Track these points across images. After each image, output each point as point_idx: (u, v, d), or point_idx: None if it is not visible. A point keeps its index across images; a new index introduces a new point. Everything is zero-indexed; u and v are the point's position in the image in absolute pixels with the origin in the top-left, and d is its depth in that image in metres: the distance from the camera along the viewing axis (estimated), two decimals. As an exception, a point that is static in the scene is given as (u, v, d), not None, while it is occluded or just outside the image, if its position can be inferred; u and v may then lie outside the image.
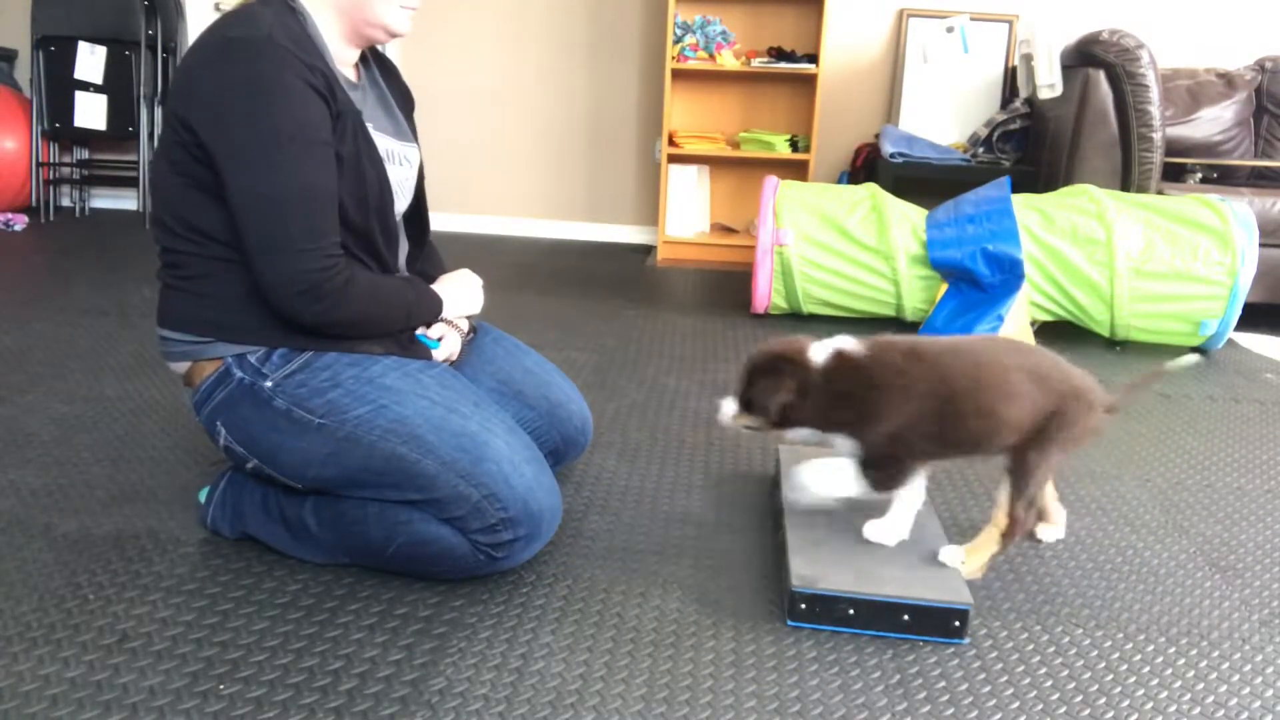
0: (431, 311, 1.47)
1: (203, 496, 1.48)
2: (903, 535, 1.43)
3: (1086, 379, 1.38)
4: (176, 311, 1.35)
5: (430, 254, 1.63)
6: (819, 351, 1.38)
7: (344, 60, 1.37)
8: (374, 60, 1.50)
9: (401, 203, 1.47)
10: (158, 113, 4.28)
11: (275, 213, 1.23)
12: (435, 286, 1.51)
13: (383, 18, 1.34)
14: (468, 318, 1.56)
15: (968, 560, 1.38)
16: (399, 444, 1.27)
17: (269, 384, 1.30)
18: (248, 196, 1.23)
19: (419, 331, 1.46)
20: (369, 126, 1.36)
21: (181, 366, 1.37)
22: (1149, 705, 1.17)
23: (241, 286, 1.31)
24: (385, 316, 1.37)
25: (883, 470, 1.37)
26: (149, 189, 1.38)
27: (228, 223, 1.27)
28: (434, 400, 1.31)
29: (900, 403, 1.33)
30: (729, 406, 1.43)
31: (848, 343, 1.39)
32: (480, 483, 1.27)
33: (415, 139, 1.54)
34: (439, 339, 1.47)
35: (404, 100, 1.54)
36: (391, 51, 4.69)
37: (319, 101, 1.24)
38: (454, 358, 1.51)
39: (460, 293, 1.54)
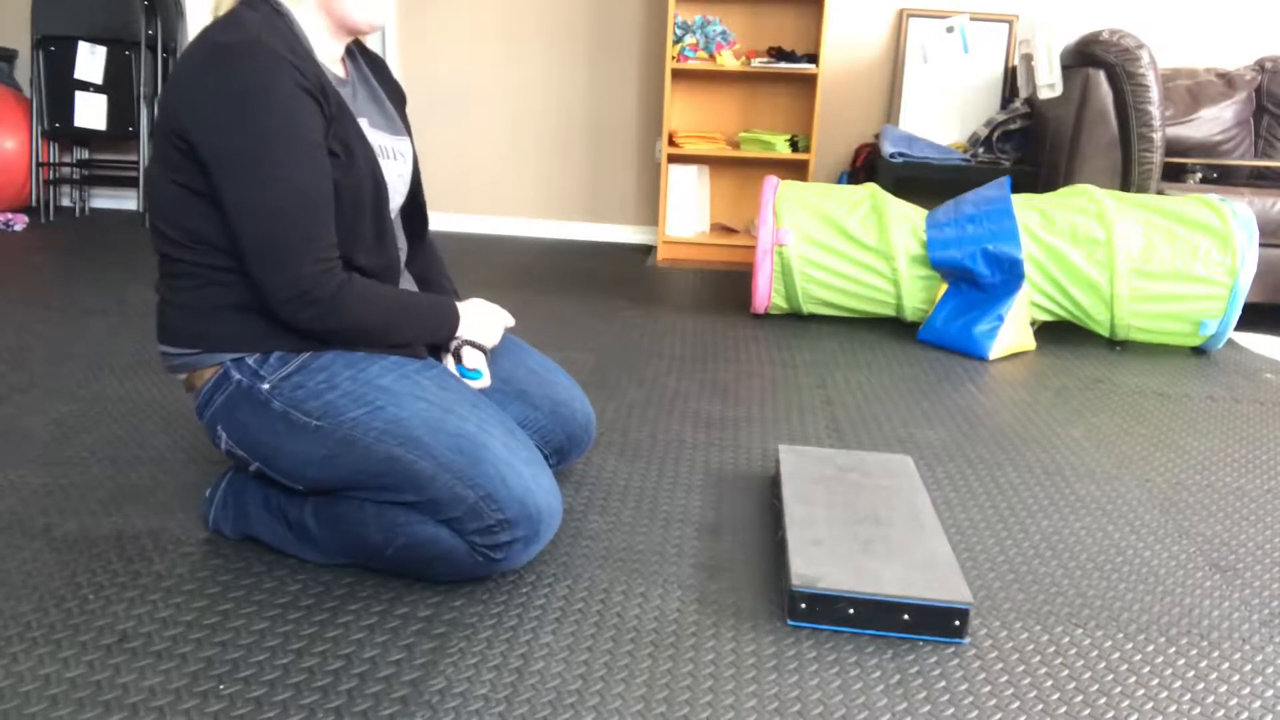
0: (447, 325, 1.46)
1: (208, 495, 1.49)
2: None
3: None
4: (173, 327, 1.35)
5: (429, 254, 1.63)
6: None
7: (331, 56, 1.37)
8: (361, 56, 1.51)
9: (397, 198, 1.47)
10: (157, 113, 4.28)
11: (267, 219, 1.22)
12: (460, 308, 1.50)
13: (352, 13, 1.33)
14: (480, 346, 1.53)
15: None
16: (395, 445, 1.27)
17: (266, 386, 1.30)
18: (241, 203, 1.22)
19: (461, 364, 1.47)
20: (363, 123, 1.36)
21: (182, 375, 1.38)
22: (1149, 705, 1.17)
23: (241, 294, 1.30)
24: (386, 325, 1.35)
25: None
26: (145, 196, 1.38)
27: (225, 229, 1.27)
28: (431, 401, 1.31)
29: None
30: None
31: None
32: (476, 484, 1.27)
33: (408, 133, 1.54)
34: (476, 369, 1.48)
35: (395, 94, 1.54)
36: (391, 52, 4.70)
37: (311, 103, 1.24)
38: (487, 385, 1.51)
39: (480, 319, 1.52)
